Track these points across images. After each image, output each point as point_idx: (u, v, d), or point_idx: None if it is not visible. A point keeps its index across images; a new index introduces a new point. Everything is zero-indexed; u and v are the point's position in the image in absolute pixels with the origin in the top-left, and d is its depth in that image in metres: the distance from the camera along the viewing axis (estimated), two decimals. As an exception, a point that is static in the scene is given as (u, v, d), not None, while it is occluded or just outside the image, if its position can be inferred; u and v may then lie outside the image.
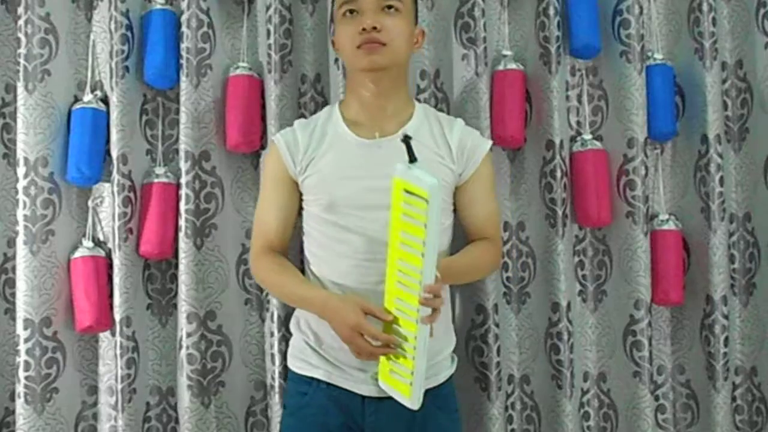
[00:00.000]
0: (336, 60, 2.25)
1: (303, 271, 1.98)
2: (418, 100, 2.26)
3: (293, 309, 2.20)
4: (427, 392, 1.75)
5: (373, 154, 1.89)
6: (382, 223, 1.78)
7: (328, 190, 1.87)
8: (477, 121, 2.21)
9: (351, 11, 1.87)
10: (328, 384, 1.87)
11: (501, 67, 2.29)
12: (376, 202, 1.82)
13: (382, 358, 1.76)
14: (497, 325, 2.23)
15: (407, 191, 1.65)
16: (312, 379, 1.89)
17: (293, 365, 1.94)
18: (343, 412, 1.85)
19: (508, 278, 2.34)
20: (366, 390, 1.84)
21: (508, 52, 2.32)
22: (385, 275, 1.72)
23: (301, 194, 1.94)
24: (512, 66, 2.29)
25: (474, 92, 2.25)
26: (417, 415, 1.77)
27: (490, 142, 2.02)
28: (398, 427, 1.80)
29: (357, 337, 1.71)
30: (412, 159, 1.65)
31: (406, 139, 1.65)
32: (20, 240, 2.19)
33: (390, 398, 1.79)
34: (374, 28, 1.83)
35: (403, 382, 1.73)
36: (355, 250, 1.84)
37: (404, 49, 1.91)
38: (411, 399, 1.72)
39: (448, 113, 2.29)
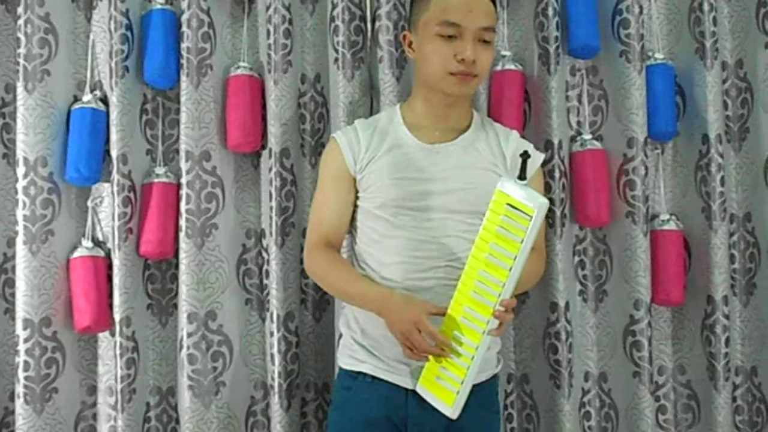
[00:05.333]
0: (336, 60, 2.25)
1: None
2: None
3: (294, 309, 2.22)
4: (472, 389, 1.77)
5: (431, 159, 1.93)
6: (432, 225, 1.88)
7: (384, 189, 1.91)
8: (475, 121, 2.21)
9: (450, 36, 1.89)
10: (374, 378, 1.90)
11: (500, 67, 2.29)
12: (429, 204, 1.89)
13: (430, 363, 1.79)
14: None
15: (510, 205, 1.69)
16: (358, 373, 1.92)
17: (342, 362, 1.98)
18: (386, 405, 1.88)
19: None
20: (410, 383, 1.86)
21: (507, 53, 2.32)
22: (459, 279, 1.76)
23: (356, 191, 1.97)
24: (511, 66, 2.29)
25: (473, 93, 2.25)
26: None
27: (543, 156, 2.06)
28: (440, 422, 1.81)
29: (415, 333, 1.74)
30: (523, 177, 1.70)
31: (525, 155, 1.70)
32: (20, 240, 2.18)
33: None
34: (473, 61, 1.88)
35: (449, 389, 1.76)
36: (405, 248, 1.88)
37: (485, 78, 2.00)
38: (453, 408, 1.75)
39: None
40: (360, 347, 1.93)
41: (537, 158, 2.03)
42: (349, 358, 1.95)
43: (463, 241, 1.86)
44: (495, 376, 1.98)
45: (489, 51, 1.92)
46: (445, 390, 1.77)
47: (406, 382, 1.88)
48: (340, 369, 1.98)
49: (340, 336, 2.02)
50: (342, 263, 1.96)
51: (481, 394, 1.86)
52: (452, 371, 1.75)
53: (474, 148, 1.97)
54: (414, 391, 1.85)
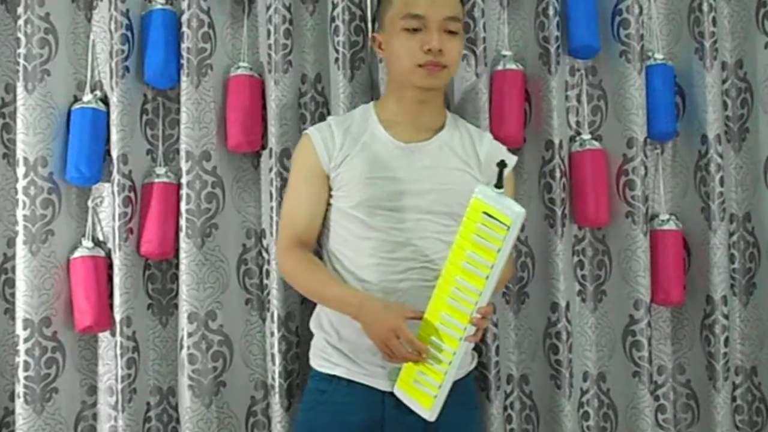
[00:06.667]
0: (336, 60, 2.25)
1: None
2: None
3: (294, 309, 2.22)
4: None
5: (407, 158, 1.93)
6: (407, 226, 1.87)
7: (359, 188, 1.90)
8: (476, 121, 2.21)
9: (415, 29, 1.89)
10: (349, 381, 1.89)
11: (500, 67, 2.29)
12: (404, 204, 1.89)
13: (408, 366, 1.79)
14: (495, 325, 2.23)
15: (487, 214, 1.68)
16: (333, 376, 1.91)
17: (314, 363, 1.97)
18: (363, 408, 1.88)
19: (506, 278, 2.34)
20: (386, 385, 1.87)
21: (508, 52, 2.32)
22: (436, 284, 1.75)
23: (330, 189, 1.95)
24: (512, 66, 2.29)
25: (473, 93, 2.26)
26: None
27: (515, 158, 2.06)
28: (418, 423, 1.82)
29: (394, 339, 1.74)
30: (500, 185, 1.69)
31: (502, 165, 1.70)
32: (20, 240, 2.18)
33: None
34: (440, 50, 1.88)
35: (426, 393, 1.77)
36: (380, 249, 1.88)
37: (455, 69, 1.98)
38: (431, 411, 1.76)
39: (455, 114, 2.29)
40: (334, 350, 1.92)
41: (510, 161, 2.02)
42: (322, 360, 1.94)
43: (438, 243, 1.85)
44: (470, 373, 1.98)
45: (456, 41, 1.92)
46: (422, 393, 1.77)
47: (382, 385, 1.87)
48: (313, 370, 1.97)
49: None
50: (316, 265, 1.93)
51: (458, 392, 1.85)
52: (430, 376, 1.75)
53: (449, 148, 1.96)
54: (390, 393, 1.85)
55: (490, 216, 1.68)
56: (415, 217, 1.88)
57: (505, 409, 2.31)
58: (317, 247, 2.03)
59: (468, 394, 1.97)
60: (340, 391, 1.90)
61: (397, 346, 1.74)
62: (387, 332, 1.75)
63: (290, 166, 2.07)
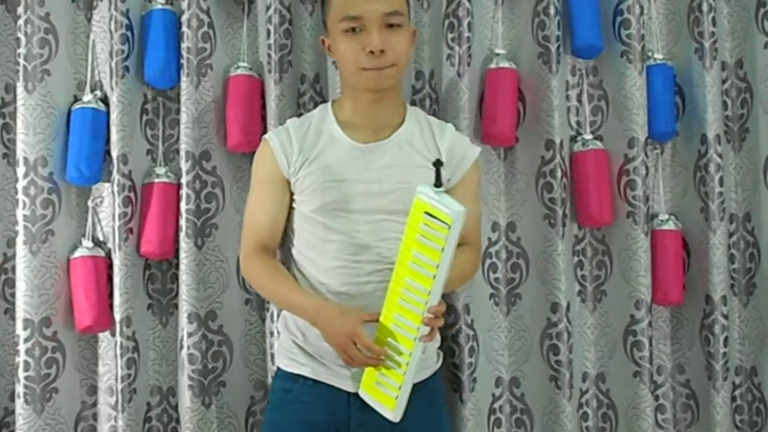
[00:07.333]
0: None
1: (288, 269, 1.98)
2: (413, 102, 2.26)
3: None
4: (414, 386, 1.76)
5: (366, 159, 1.89)
6: (370, 227, 1.85)
7: (318, 192, 1.88)
8: (456, 120, 2.20)
9: (353, 29, 1.84)
10: (315, 381, 1.88)
11: (493, 66, 2.29)
12: (365, 206, 1.86)
13: (369, 369, 1.78)
14: (470, 326, 2.25)
15: (428, 214, 1.68)
16: (298, 376, 1.90)
17: (280, 362, 1.95)
18: (328, 408, 1.87)
19: (496, 279, 2.34)
20: (352, 386, 1.85)
21: (501, 51, 2.31)
22: (388, 289, 1.74)
23: (291, 193, 1.94)
24: (505, 65, 2.28)
25: (455, 92, 2.25)
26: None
27: (478, 149, 2.00)
28: (384, 423, 1.80)
29: (351, 346, 1.74)
30: (438, 184, 1.69)
31: (438, 164, 1.69)
32: (20, 240, 2.19)
33: None
34: (382, 51, 1.82)
35: (388, 395, 1.76)
36: (343, 251, 1.86)
37: (406, 62, 1.92)
38: (394, 412, 1.75)
39: (440, 114, 2.28)
40: (300, 350, 1.90)
41: (473, 152, 1.98)
42: (288, 359, 1.93)
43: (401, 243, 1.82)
44: (437, 372, 1.96)
45: (401, 35, 1.85)
46: (385, 395, 1.76)
47: (347, 386, 1.86)
48: (279, 369, 1.96)
49: (278, 334, 2.00)
50: (278, 270, 1.91)
51: (424, 391, 1.85)
52: (390, 377, 1.75)
53: (409, 145, 1.92)
54: (356, 394, 1.83)
55: (432, 216, 1.67)
56: (376, 218, 1.86)
57: (493, 412, 2.31)
58: (282, 251, 2.02)
59: (434, 393, 1.95)
60: (305, 391, 1.89)
61: (355, 352, 1.74)
62: (344, 339, 1.74)
63: (251, 171, 2.03)
